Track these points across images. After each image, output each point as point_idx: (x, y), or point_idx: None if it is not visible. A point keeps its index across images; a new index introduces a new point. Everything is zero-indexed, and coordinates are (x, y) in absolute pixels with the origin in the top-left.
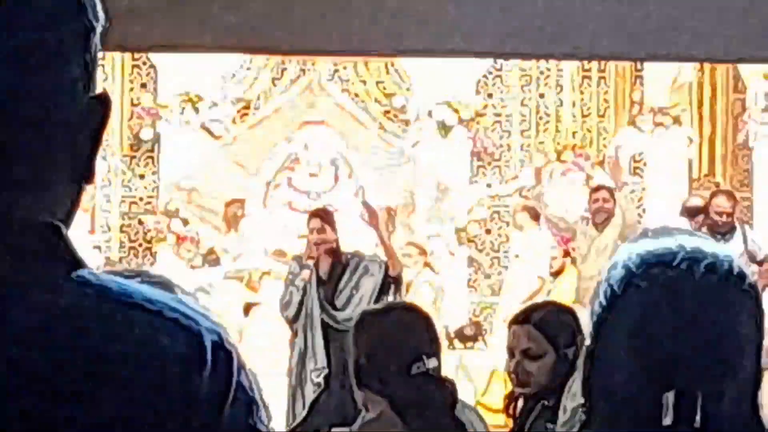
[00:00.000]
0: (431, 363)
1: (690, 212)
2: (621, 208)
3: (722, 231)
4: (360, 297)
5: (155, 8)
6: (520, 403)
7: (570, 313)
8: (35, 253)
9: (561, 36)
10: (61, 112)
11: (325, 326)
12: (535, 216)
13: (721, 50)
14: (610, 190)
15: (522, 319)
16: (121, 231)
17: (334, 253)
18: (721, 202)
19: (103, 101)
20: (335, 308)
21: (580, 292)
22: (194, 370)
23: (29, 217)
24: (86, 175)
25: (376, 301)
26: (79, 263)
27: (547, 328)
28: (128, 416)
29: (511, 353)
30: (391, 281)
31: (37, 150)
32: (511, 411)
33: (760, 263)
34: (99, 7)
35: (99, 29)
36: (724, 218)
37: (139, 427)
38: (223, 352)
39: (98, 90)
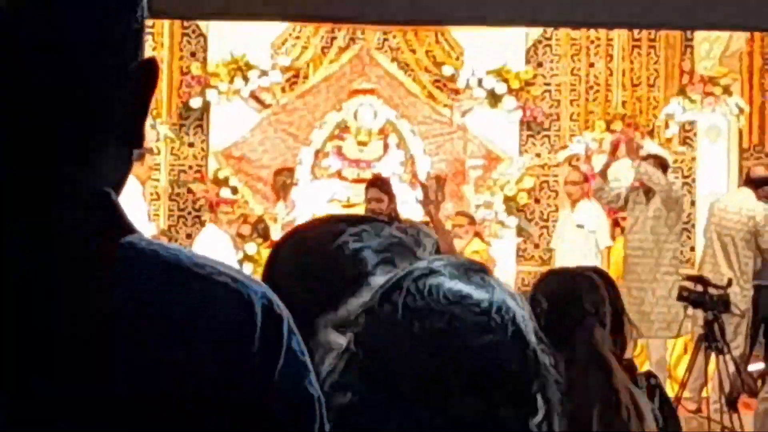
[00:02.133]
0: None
1: (756, 182)
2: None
3: None
4: None
5: None
6: None
7: (587, 278)
8: (85, 220)
9: (611, 4)
10: (109, 76)
11: None
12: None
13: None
14: (660, 159)
15: (536, 288)
16: (170, 199)
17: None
18: None
19: (152, 67)
20: None
21: (628, 263)
22: (245, 333)
23: (79, 183)
24: (136, 140)
25: None
26: (129, 229)
27: (555, 298)
28: (182, 380)
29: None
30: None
31: (86, 115)
32: None
33: None
34: None
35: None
36: None
37: (193, 391)
38: (272, 317)
39: (147, 56)
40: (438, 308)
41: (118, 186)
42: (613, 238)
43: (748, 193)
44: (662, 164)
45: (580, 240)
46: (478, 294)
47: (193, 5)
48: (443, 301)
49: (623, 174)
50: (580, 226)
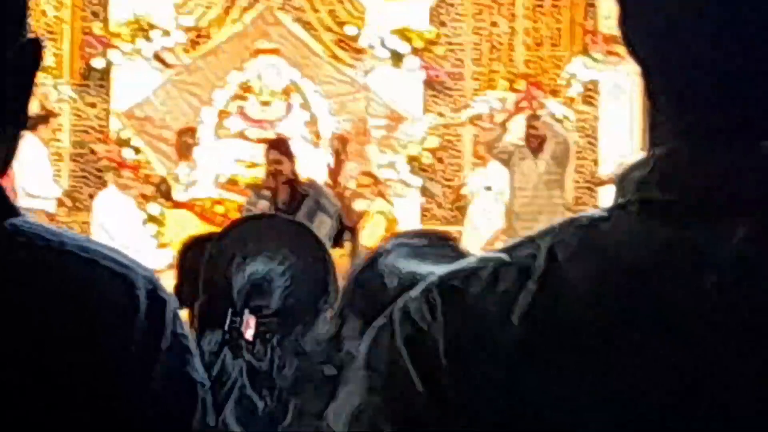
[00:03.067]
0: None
1: None
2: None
3: None
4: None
5: None
6: None
7: None
8: None
9: None
10: None
11: None
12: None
13: None
14: (544, 122)
15: None
16: (72, 160)
17: (292, 183)
18: None
19: (36, 46)
20: None
21: (521, 218)
22: (128, 317)
23: None
24: (20, 120)
25: (333, 245)
26: (12, 211)
27: None
28: (62, 364)
29: None
30: (347, 229)
31: None
32: None
33: None
34: None
35: None
36: None
37: (75, 375)
38: (156, 300)
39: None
40: None
41: (2, 167)
42: None
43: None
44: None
45: (487, 201)
46: None
47: None
48: None
49: (518, 129)
50: (488, 188)
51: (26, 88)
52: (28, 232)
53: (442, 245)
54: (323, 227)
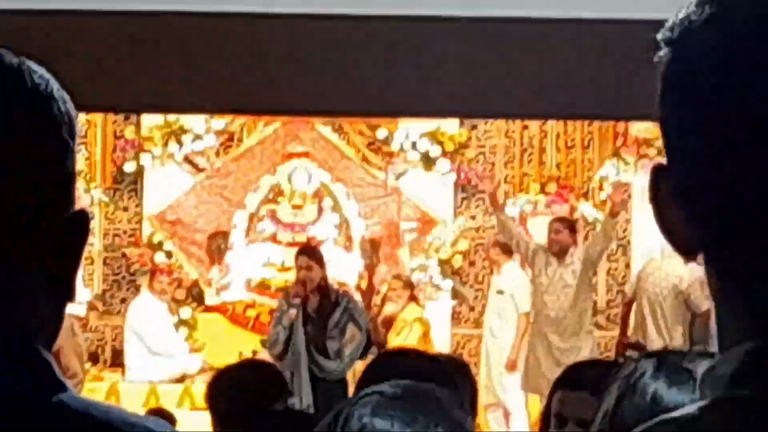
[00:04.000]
0: (292, 401)
1: None
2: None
3: None
4: (348, 352)
5: (140, 70)
6: None
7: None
8: (14, 378)
9: (545, 96)
10: (41, 227)
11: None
12: (508, 250)
13: None
14: (570, 222)
15: (573, 382)
16: (105, 264)
17: (323, 290)
18: None
19: (83, 217)
20: (325, 348)
21: (548, 323)
22: None
23: (8, 339)
24: (68, 293)
25: (359, 358)
26: (60, 387)
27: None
28: None
29: (561, 421)
30: (374, 344)
31: (19, 269)
32: None
33: None
34: (76, 123)
35: (75, 145)
36: None
37: None
38: None
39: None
40: None
41: (50, 341)
42: None
43: (674, 257)
44: (571, 226)
45: (501, 304)
46: None
47: (129, 98)
48: None
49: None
50: (500, 292)
51: (74, 262)
52: (74, 407)
53: (419, 396)
54: (353, 341)
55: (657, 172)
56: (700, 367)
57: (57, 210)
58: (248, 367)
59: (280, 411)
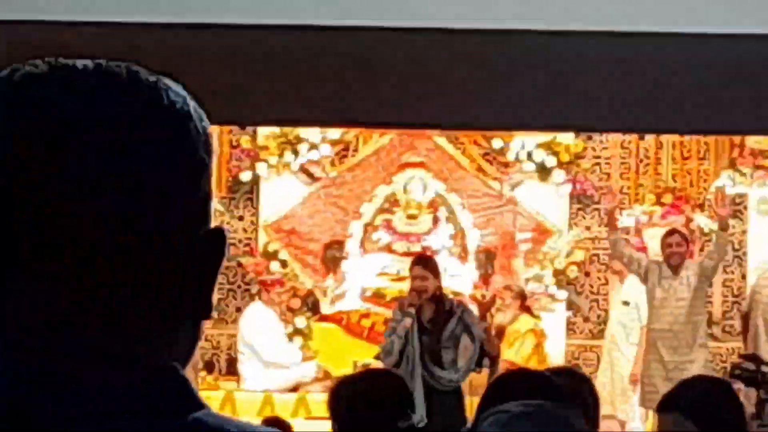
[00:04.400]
0: (415, 418)
1: None
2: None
3: None
4: (462, 363)
5: (256, 85)
6: None
7: (726, 390)
8: (153, 397)
9: (659, 111)
10: (179, 249)
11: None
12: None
13: None
14: (683, 235)
15: (669, 404)
16: (220, 273)
17: (437, 300)
18: None
19: (220, 234)
20: (439, 359)
21: (663, 337)
22: None
23: (148, 360)
24: (205, 311)
25: (473, 370)
26: (198, 405)
27: (698, 414)
28: None
29: None
30: (487, 356)
31: (157, 290)
32: None
33: None
34: (212, 141)
35: (212, 162)
36: None
37: None
38: None
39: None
40: None
41: (187, 359)
42: None
43: None
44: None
45: (626, 316)
46: None
47: (245, 112)
48: None
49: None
50: (625, 303)
51: (211, 280)
52: (211, 425)
53: (545, 414)
54: (466, 351)
55: None
56: None
57: (194, 228)
58: (375, 377)
59: (404, 428)
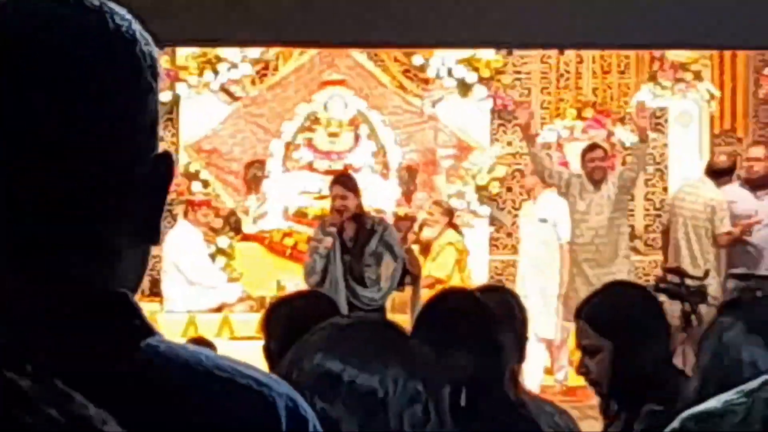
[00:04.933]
0: None
1: (717, 173)
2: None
3: (759, 183)
4: (384, 281)
5: (173, 5)
6: (614, 405)
7: (637, 295)
8: (103, 324)
9: (574, 26)
10: (125, 174)
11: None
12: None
13: (738, 37)
14: (605, 149)
15: (577, 312)
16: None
17: (358, 218)
18: (755, 152)
19: (167, 160)
20: (362, 277)
21: (584, 248)
22: None
23: (96, 285)
24: (153, 236)
25: (396, 288)
26: (149, 331)
27: (598, 321)
28: None
29: (582, 351)
30: (409, 274)
31: (104, 214)
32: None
33: None
34: (159, 66)
35: (158, 86)
36: (756, 167)
37: None
38: (297, 419)
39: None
40: None
41: (136, 285)
42: None
43: (708, 182)
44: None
45: (543, 233)
46: None
47: (167, 32)
48: None
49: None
50: (543, 220)
51: (159, 205)
52: (165, 352)
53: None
54: (387, 269)
55: None
56: None
57: (142, 153)
58: (307, 298)
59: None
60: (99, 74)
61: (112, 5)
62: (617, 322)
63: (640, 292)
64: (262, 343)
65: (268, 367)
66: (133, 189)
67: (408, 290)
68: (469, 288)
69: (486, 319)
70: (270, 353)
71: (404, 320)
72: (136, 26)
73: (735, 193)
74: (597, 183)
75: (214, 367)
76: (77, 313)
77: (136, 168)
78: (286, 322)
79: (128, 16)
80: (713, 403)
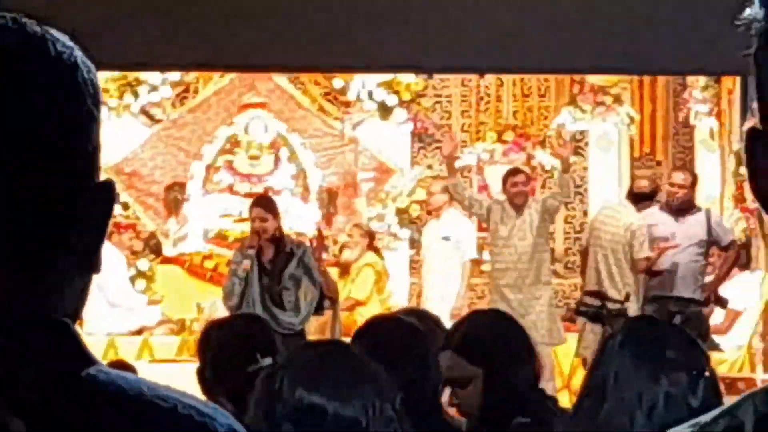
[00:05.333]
0: (266, 361)
1: (638, 196)
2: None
3: (679, 208)
4: (303, 305)
5: (95, 28)
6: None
7: (501, 320)
8: (45, 352)
9: (494, 50)
10: (67, 202)
11: None
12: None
13: (657, 62)
14: (527, 174)
15: (444, 344)
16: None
17: (277, 241)
18: (677, 178)
19: (109, 188)
20: (281, 300)
21: (505, 273)
22: None
23: (38, 313)
24: (94, 265)
25: (314, 313)
26: (89, 360)
27: (469, 350)
28: None
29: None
30: (327, 298)
31: (46, 243)
32: None
33: (724, 249)
34: (100, 94)
35: (100, 113)
36: (680, 194)
37: None
38: None
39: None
40: None
41: (76, 314)
42: None
43: (628, 206)
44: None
45: (446, 252)
46: None
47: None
48: None
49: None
50: (446, 238)
51: (100, 234)
52: (105, 382)
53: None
54: (306, 294)
55: (753, 137)
56: None
57: (83, 180)
58: (242, 320)
59: (252, 372)
60: (39, 100)
61: (54, 32)
62: (487, 348)
63: (502, 317)
64: (181, 365)
65: (201, 390)
66: (75, 217)
67: (327, 314)
68: (394, 313)
69: (417, 342)
70: (204, 377)
71: None
72: (78, 53)
73: (655, 216)
74: (519, 208)
75: (155, 397)
76: (18, 340)
77: (78, 196)
78: (220, 345)
79: (70, 43)
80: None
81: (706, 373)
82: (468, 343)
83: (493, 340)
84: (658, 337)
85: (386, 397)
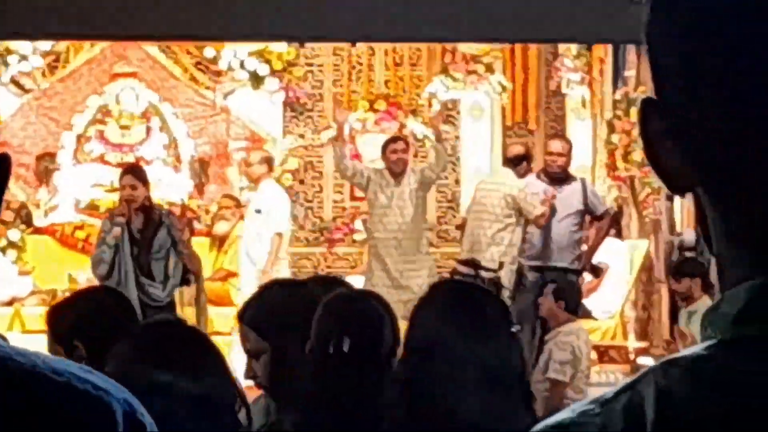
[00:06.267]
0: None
1: (513, 161)
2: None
3: (557, 177)
4: (171, 277)
5: None
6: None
7: (293, 294)
8: None
9: (366, 19)
10: None
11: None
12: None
13: (529, 30)
14: (406, 141)
15: (239, 316)
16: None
17: (146, 210)
18: (555, 146)
19: (4, 162)
20: (150, 271)
21: (387, 244)
22: None
23: None
24: None
25: (181, 283)
26: None
27: (257, 324)
28: None
29: None
30: (191, 272)
31: None
32: None
33: (598, 218)
34: None
35: None
36: (560, 161)
37: None
38: (135, 424)
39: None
40: None
41: None
42: None
43: (507, 172)
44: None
45: (258, 224)
46: None
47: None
48: None
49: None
50: (258, 211)
51: None
52: (3, 357)
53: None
54: (177, 267)
55: (647, 106)
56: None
57: None
58: (94, 294)
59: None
60: None
61: None
62: (273, 323)
63: (296, 290)
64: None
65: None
66: None
67: (193, 288)
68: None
69: (311, 306)
70: (56, 354)
71: (191, 314)
72: None
73: (533, 185)
74: (397, 176)
75: (50, 372)
76: None
77: None
78: (74, 323)
79: None
80: (567, 414)
81: (513, 329)
82: (256, 317)
83: (280, 314)
84: (466, 296)
85: (227, 376)
